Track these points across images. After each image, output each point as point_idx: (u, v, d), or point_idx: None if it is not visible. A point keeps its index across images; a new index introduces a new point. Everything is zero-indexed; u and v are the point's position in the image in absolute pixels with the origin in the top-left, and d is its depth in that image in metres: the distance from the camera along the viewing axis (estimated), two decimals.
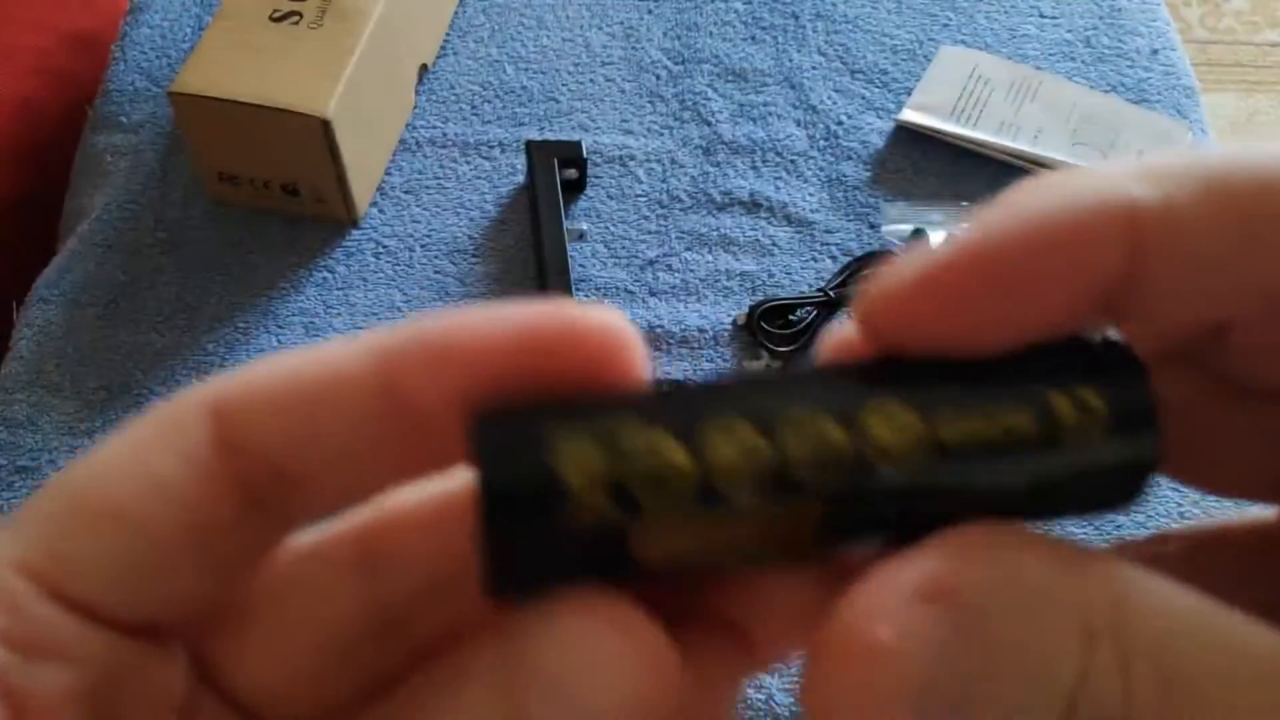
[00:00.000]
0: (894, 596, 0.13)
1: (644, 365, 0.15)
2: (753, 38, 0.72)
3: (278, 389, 0.15)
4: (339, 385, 0.15)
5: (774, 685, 0.50)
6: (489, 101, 0.69)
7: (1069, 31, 0.74)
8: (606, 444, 0.14)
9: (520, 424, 0.14)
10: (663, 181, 0.66)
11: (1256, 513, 0.18)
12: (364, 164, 0.62)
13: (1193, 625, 0.13)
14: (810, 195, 0.66)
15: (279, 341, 0.60)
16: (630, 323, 0.15)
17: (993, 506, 0.14)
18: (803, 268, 0.63)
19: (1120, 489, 0.15)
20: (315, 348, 0.15)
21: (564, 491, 0.14)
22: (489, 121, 0.68)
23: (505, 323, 0.15)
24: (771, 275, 0.63)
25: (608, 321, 0.15)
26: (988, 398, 0.14)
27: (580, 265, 0.62)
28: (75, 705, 0.14)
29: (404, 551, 0.17)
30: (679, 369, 0.60)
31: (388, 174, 0.65)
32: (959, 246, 0.14)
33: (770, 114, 0.69)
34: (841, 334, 0.16)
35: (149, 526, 0.14)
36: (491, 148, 0.67)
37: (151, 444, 0.15)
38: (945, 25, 0.74)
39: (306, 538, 0.17)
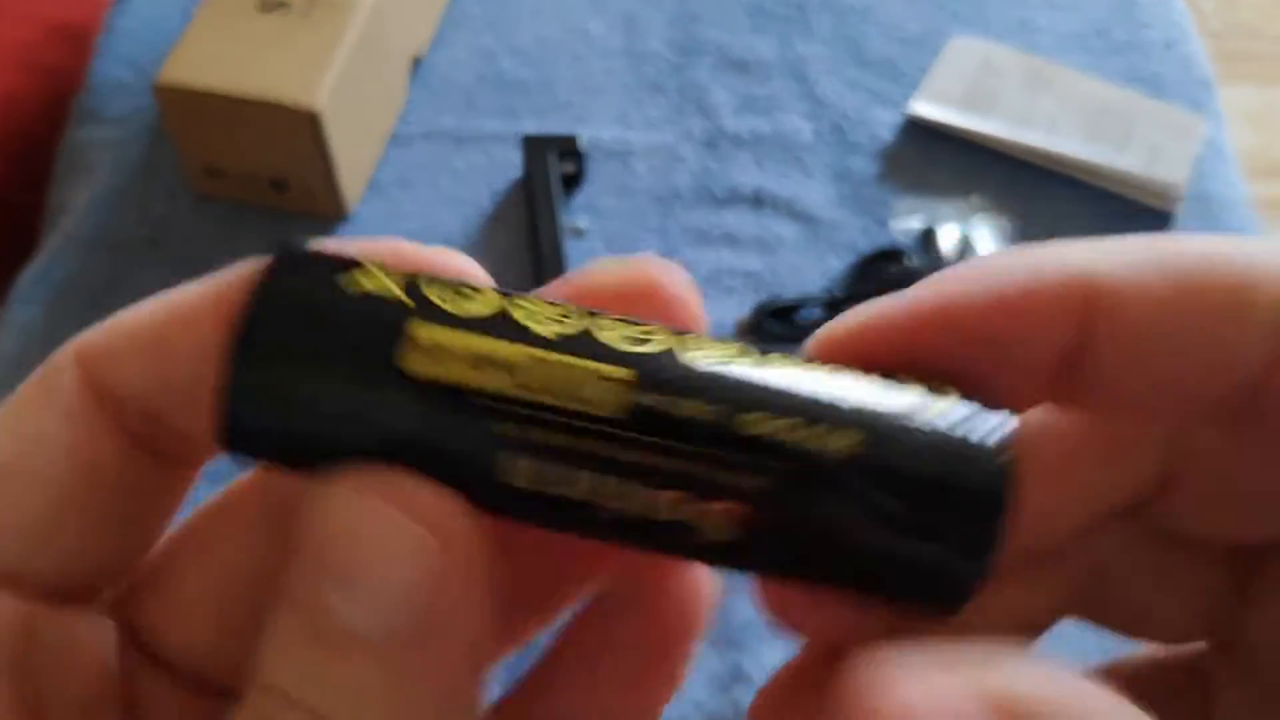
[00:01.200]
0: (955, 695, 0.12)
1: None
2: (757, 27, 0.71)
3: (134, 331, 0.15)
4: (184, 320, 0.15)
5: None
6: (484, 94, 0.67)
7: (1082, 23, 0.73)
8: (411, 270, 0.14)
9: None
10: (664, 176, 0.64)
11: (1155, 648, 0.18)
12: (354, 158, 0.61)
13: None
14: (817, 190, 0.64)
15: None
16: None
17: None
18: (809, 265, 0.61)
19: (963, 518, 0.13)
20: (177, 288, 0.16)
21: (351, 261, 0.13)
22: (484, 114, 0.66)
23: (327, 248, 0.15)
24: (777, 273, 0.61)
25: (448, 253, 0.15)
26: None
27: (578, 262, 0.61)
28: None
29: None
30: None
31: (379, 168, 0.64)
32: (920, 295, 0.14)
33: (775, 106, 0.67)
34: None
35: (36, 481, 0.15)
36: (486, 141, 0.65)
37: (28, 404, 0.15)
38: (955, 15, 0.72)
39: (220, 491, 0.17)
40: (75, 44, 0.70)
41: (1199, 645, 0.18)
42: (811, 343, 0.15)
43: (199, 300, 0.15)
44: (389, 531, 0.13)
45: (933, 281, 0.15)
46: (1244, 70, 1.34)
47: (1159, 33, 0.73)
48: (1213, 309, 0.14)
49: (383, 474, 0.13)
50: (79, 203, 0.62)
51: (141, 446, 0.16)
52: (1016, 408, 0.14)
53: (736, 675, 0.49)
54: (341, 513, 0.13)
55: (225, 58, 0.57)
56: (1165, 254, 0.14)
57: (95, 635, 0.16)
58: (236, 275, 0.15)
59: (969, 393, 0.14)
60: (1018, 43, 0.71)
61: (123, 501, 0.16)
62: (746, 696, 0.49)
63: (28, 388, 0.15)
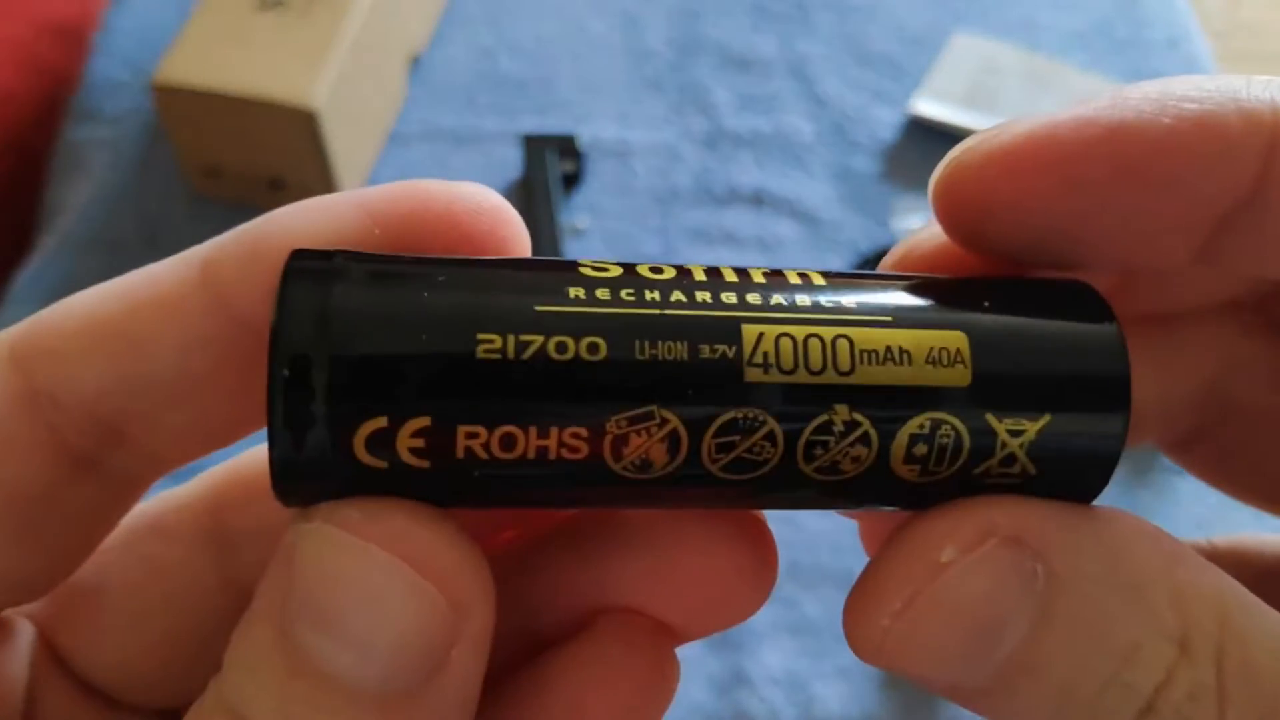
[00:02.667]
0: (972, 530, 0.12)
1: (518, 243, 0.14)
2: (757, 26, 0.71)
3: (90, 323, 0.13)
4: (160, 308, 0.13)
5: (778, 698, 0.48)
6: (483, 92, 0.67)
7: (1084, 21, 0.73)
8: None
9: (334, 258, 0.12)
10: (663, 175, 0.64)
11: None
12: (353, 157, 0.61)
13: None
14: (817, 189, 0.64)
15: None
16: (501, 200, 0.13)
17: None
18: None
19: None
20: (130, 273, 0.13)
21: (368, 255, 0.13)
22: (483, 113, 0.66)
23: (343, 204, 0.13)
24: None
25: (467, 194, 0.13)
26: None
27: None
28: None
29: (259, 524, 0.15)
30: None
31: (377, 167, 0.63)
32: (1087, 114, 0.13)
33: (775, 105, 0.67)
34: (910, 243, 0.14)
35: None
36: (485, 140, 0.65)
37: None
38: (956, 13, 0.72)
39: (158, 504, 0.15)
40: (69, 42, 0.70)
41: None
42: (960, 157, 0.14)
43: (174, 280, 0.13)
44: (381, 582, 0.11)
45: (1097, 102, 0.13)
46: (1248, 70, 1.32)
47: (1161, 31, 0.72)
48: None
49: (387, 510, 0.11)
50: (75, 202, 0.62)
51: (78, 462, 0.13)
52: (1163, 260, 0.13)
53: (737, 677, 0.49)
54: (330, 550, 0.11)
55: (222, 56, 0.56)
56: None
57: (7, 653, 0.14)
58: (206, 249, 0.13)
59: (1111, 239, 0.13)
60: (1019, 41, 0.70)
61: (50, 523, 0.13)
62: (747, 699, 0.48)
63: None
